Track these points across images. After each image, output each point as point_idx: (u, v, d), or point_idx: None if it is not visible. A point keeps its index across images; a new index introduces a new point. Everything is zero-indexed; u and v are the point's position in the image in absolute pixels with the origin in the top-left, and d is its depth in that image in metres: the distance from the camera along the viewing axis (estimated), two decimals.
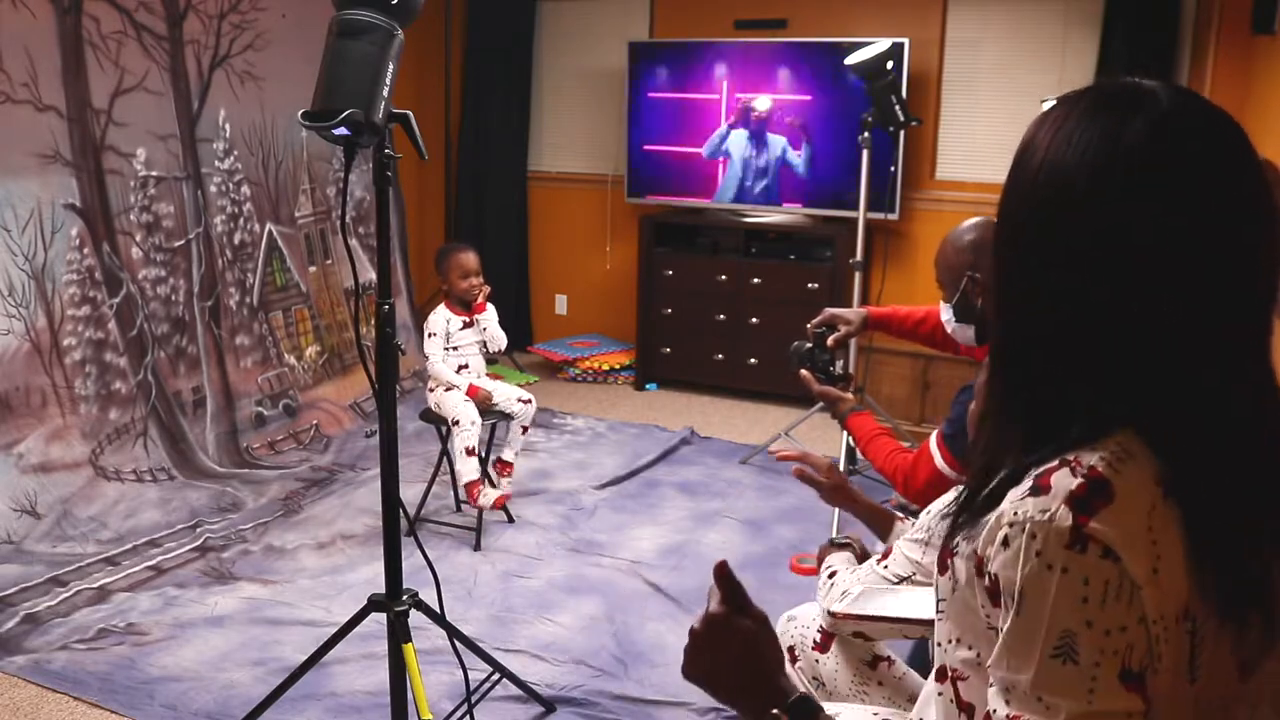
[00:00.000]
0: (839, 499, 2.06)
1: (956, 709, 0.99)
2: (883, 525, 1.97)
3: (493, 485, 3.75)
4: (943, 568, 1.01)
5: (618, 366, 5.59)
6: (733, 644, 1.07)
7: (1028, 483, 0.88)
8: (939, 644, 1.04)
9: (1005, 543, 0.87)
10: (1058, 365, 0.91)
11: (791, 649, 1.87)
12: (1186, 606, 0.86)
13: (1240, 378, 0.89)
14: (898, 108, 4.05)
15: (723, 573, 1.09)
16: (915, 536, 1.64)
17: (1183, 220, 0.85)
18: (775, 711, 1.04)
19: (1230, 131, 0.88)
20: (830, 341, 2.57)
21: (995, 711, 0.88)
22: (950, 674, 1.01)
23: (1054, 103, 0.94)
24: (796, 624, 1.90)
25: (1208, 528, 0.86)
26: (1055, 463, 0.88)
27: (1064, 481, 0.85)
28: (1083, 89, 0.93)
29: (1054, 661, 0.84)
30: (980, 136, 4.98)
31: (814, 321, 2.65)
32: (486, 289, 3.66)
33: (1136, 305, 0.86)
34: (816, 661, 1.83)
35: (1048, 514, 0.84)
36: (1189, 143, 0.86)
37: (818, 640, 1.84)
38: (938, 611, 1.05)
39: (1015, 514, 0.87)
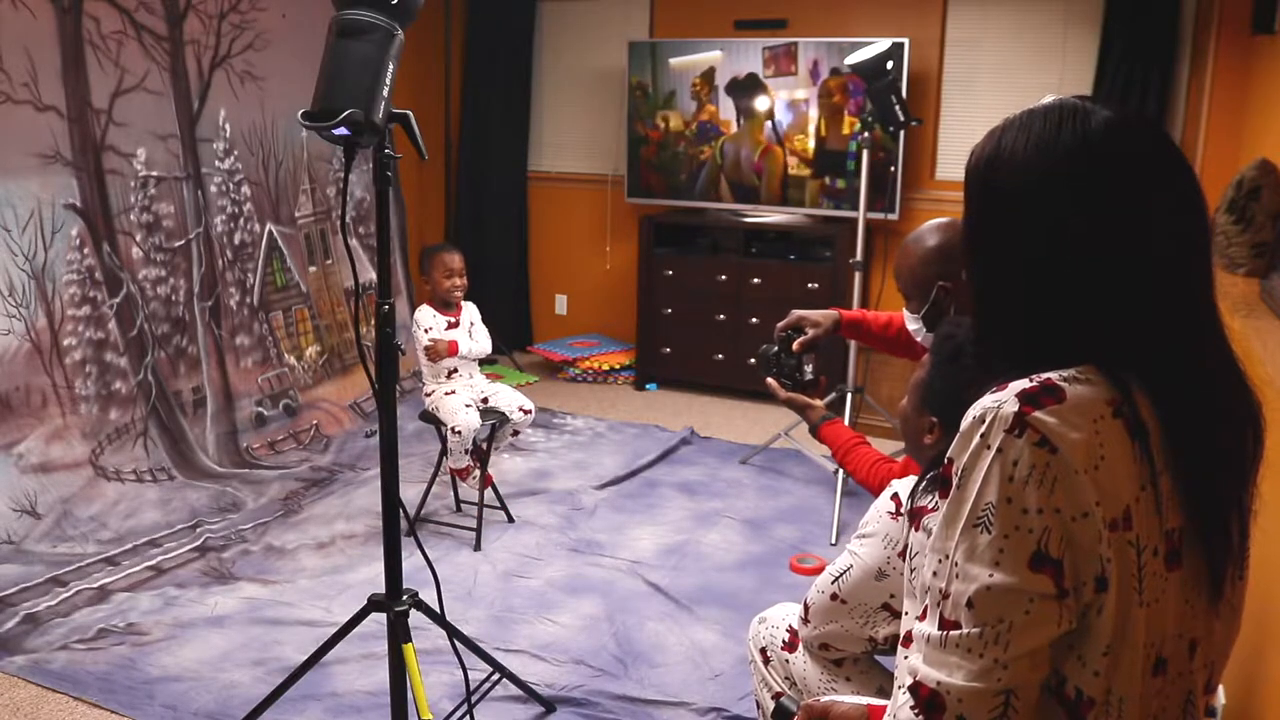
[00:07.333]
0: None
1: None
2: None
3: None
4: (915, 524, 1.09)
5: (618, 366, 5.59)
6: None
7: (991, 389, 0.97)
8: (906, 612, 1.11)
9: (960, 430, 0.96)
10: (1036, 312, 1.01)
11: (764, 650, 1.90)
12: (1127, 511, 0.92)
13: (1187, 321, 1.00)
14: (898, 108, 4.05)
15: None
16: (863, 532, 1.70)
17: (1135, 198, 0.98)
18: None
19: (1163, 135, 1.03)
20: (796, 345, 2.37)
21: (926, 578, 0.96)
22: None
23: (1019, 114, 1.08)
24: (767, 625, 1.92)
25: (1161, 446, 0.96)
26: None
27: (1020, 384, 0.96)
28: (1032, 109, 1.07)
29: (974, 530, 0.92)
30: (980, 136, 4.96)
31: (781, 324, 2.45)
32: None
33: (1101, 263, 0.98)
34: (787, 661, 1.85)
35: (998, 404, 0.94)
36: (1136, 140, 1.01)
37: (786, 640, 1.87)
38: (909, 571, 1.11)
39: (974, 408, 0.96)
